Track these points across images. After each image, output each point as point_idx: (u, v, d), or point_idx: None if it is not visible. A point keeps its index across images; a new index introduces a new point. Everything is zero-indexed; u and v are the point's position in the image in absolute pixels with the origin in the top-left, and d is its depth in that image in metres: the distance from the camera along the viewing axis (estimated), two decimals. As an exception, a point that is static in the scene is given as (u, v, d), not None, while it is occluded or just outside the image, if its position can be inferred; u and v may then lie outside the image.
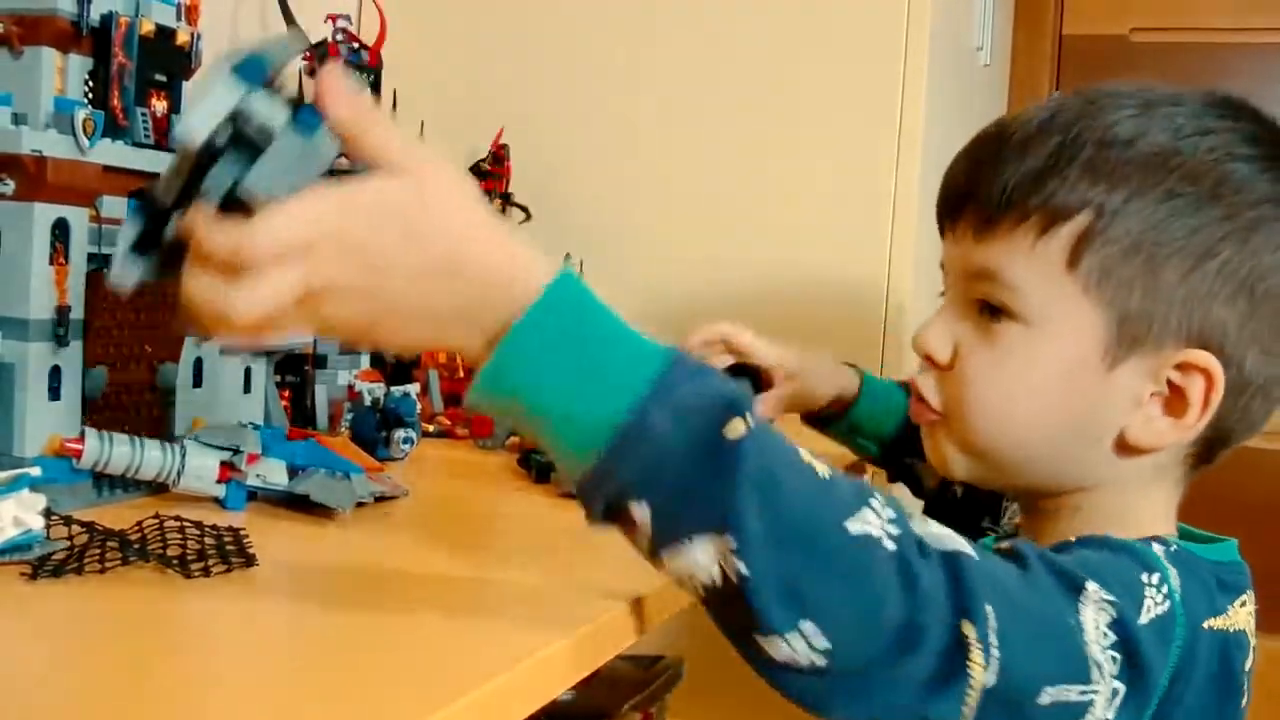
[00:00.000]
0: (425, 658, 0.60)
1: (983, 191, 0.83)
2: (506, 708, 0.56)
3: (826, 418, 1.27)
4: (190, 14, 0.99)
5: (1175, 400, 0.81)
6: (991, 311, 0.83)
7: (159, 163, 0.96)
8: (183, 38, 0.97)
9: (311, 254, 0.58)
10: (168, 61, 0.97)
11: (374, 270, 0.60)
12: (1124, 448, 0.83)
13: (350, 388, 1.16)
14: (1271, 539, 2.36)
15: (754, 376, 1.20)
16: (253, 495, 0.88)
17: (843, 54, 1.60)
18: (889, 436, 1.26)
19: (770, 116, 1.64)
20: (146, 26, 0.95)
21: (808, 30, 1.62)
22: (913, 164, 1.57)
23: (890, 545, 0.61)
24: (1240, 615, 0.80)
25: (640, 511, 0.61)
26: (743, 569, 0.58)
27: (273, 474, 0.87)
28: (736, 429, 0.59)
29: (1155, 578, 0.73)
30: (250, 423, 0.91)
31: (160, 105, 0.96)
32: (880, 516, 0.62)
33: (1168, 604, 0.72)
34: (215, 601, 0.67)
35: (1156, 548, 0.77)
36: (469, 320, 0.61)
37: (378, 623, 0.65)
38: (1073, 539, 0.78)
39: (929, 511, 1.16)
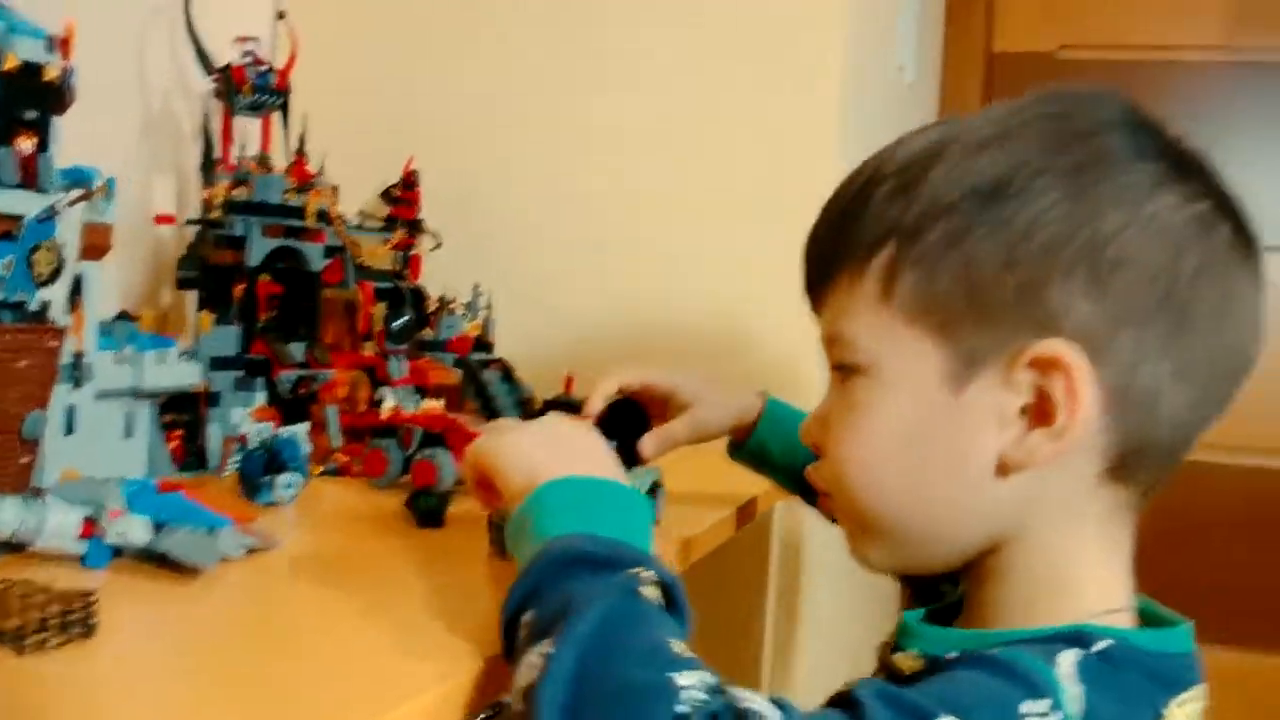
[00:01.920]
0: None
1: (809, 258, 0.82)
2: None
3: (732, 445, 1.23)
4: (63, 47, 0.96)
5: (1044, 407, 0.72)
6: (844, 373, 0.79)
7: (28, 204, 0.93)
8: (52, 73, 0.94)
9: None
10: (36, 98, 0.94)
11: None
12: (1005, 474, 0.74)
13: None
14: (1225, 553, 2.39)
15: (637, 410, 1.16)
16: (117, 552, 0.85)
17: (760, 75, 1.59)
18: (798, 466, 1.16)
19: (686, 140, 1.62)
20: (11, 62, 0.92)
21: (722, 52, 1.60)
22: (830, 183, 1.54)
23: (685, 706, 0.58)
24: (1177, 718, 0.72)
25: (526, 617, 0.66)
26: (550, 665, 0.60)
27: (134, 531, 0.84)
28: (647, 581, 0.66)
29: (1043, 704, 0.64)
30: (116, 476, 0.88)
31: (28, 144, 0.94)
32: (697, 684, 0.59)
33: None
34: (45, 677, 0.64)
35: (1065, 659, 0.68)
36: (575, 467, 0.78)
37: (213, 690, 0.63)
38: (954, 656, 0.71)
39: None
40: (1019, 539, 0.77)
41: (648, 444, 1.12)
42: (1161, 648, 0.73)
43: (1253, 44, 2.39)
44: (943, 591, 0.99)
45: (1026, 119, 0.77)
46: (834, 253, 0.79)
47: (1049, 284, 0.71)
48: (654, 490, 1.06)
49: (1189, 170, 0.76)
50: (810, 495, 1.21)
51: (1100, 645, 0.70)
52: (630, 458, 1.10)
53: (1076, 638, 0.71)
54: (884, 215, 0.76)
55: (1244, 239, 0.76)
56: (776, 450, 1.20)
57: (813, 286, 0.83)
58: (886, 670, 0.82)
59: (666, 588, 0.68)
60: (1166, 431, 0.74)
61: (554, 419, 0.89)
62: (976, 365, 0.73)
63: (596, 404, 1.15)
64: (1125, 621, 0.77)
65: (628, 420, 1.14)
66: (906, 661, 0.79)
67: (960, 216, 0.73)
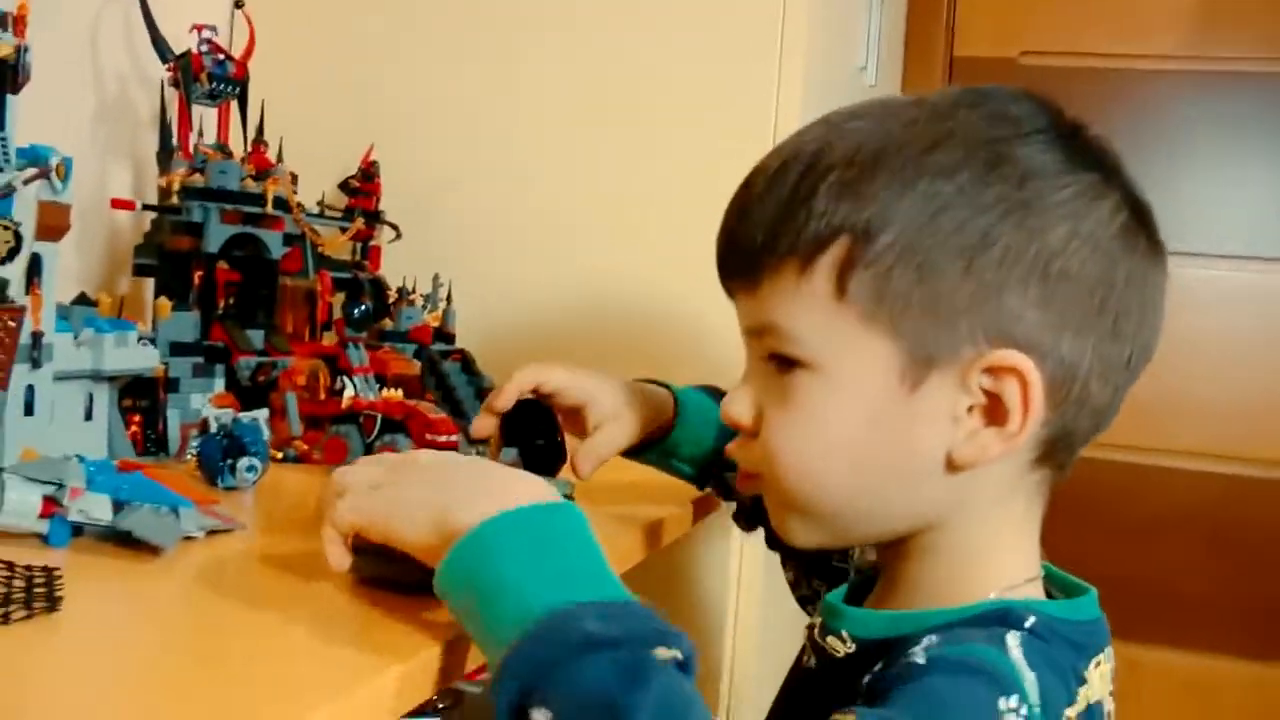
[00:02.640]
0: (226, 699, 0.58)
1: (740, 244, 0.81)
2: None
3: (639, 445, 1.15)
4: (17, 25, 0.94)
5: (995, 408, 0.76)
6: (781, 365, 0.79)
7: (-16, 182, 0.92)
8: (4, 50, 0.93)
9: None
10: (-11, 76, 0.93)
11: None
12: (954, 469, 0.77)
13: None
14: (1165, 554, 2.41)
15: (543, 413, 1.08)
16: (79, 531, 0.84)
17: (718, 70, 1.59)
18: (706, 454, 1.15)
19: (644, 133, 1.62)
20: (-38, 39, 0.90)
21: (682, 46, 1.60)
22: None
23: None
24: (1095, 681, 0.76)
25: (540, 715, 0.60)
26: None
27: (96, 509, 0.83)
28: (664, 655, 0.62)
29: (1014, 700, 0.67)
30: (76, 455, 0.87)
31: (-17, 122, 0.92)
32: None
33: None
34: (11, 649, 0.63)
35: (1012, 644, 0.71)
36: (496, 497, 0.70)
37: (177, 667, 0.63)
38: (921, 659, 0.70)
39: (773, 544, 1.13)
40: (948, 520, 0.81)
41: (584, 462, 1.06)
42: (1075, 616, 0.78)
43: (1212, 53, 2.42)
44: (838, 565, 1.02)
45: (964, 121, 0.78)
46: (771, 242, 0.78)
47: (1003, 292, 0.75)
48: None
49: (1113, 177, 0.80)
50: (712, 482, 1.18)
51: (1029, 622, 0.74)
52: (539, 464, 1.02)
53: (1004, 616, 0.75)
54: (833, 212, 0.76)
55: (1156, 243, 0.82)
56: (686, 446, 1.15)
57: (738, 272, 0.82)
58: (819, 653, 0.84)
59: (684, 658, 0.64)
60: (1088, 420, 0.80)
61: (413, 456, 0.80)
62: (930, 366, 0.76)
63: (505, 401, 1.07)
64: (1037, 590, 0.82)
65: (533, 423, 1.06)
66: (839, 645, 0.82)
67: (914, 220, 0.75)
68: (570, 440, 1.09)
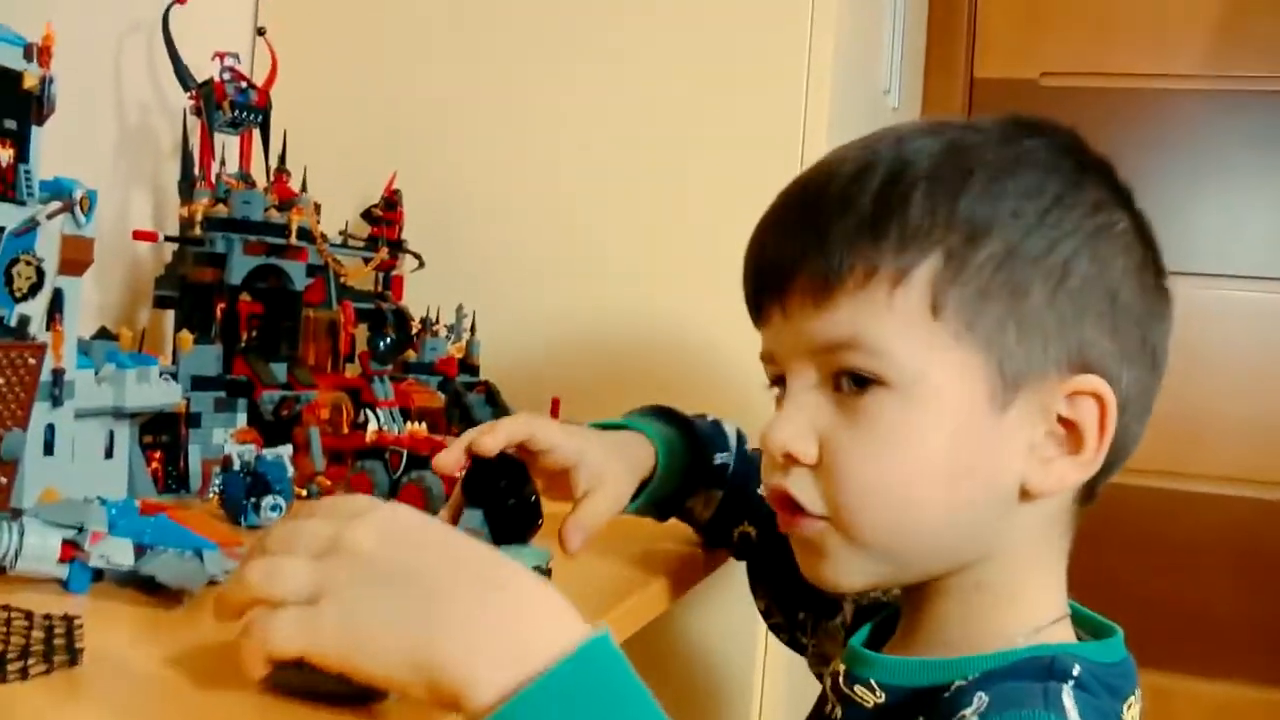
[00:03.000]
0: None
1: (816, 254, 0.76)
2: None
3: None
4: (42, 55, 0.93)
5: (1070, 435, 0.76)
6: (852, 385, 0.76)
7: (6, 216, 0.91)
8: (30, 81, 0.91)
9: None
10: (13, 107, 0.91)
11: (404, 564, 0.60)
12: (1025, 499, 0.76)
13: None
14: (1194, 580, 2.38)
15: (513, 467, 0.93)
16: (99, 575, 0.82)
17: (743, 96, 1.57)
18: (673, 491, 1.08)
19: (669, 160, 1.60)
20: (-13, 69, 0.89)
21: (707, 73, 1.58)
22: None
23: None
24: None
25: None
26: None
27: (118, 554, 0.81)
28: None
29: None
30: (97, 497, 0.85)
31: (6, 154, 0.91)
32: None
33: None
34: (28, 707, 0.61)
35: (1068, 703, 0.68)
36: (502, 639, 0.57)
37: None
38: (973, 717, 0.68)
39: (763, 569, 1.10)
40: (994, 556, 0.79)
41: (575, 536, 0.93)
42: (1108, 658, 0.77)
43: (1233, 73, 2.40)
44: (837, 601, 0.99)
45: (1032, 147, 0.79)
46: (857, 254, 0.75)
47: (1083, 321, 0.75)
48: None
49: (1140, 218, 0.82)
50: (676, 514, 1.11)
51: (1075, 671, 0.72)
52: (509, 528, 0.89)
53: (1050, 666, 0.73)
54: (929, 225, 0.74)
55: (1165, 281, 0.82)
56: (660, 488, 1.07)
57: (797, 285, 0.77)
58: (844, 703, 0.81)
59: None
60: (1124, 453, 0.80)
61: (352, 539, 0.60)
62: (1018, 388, 0.75)
63: (491, 447, 0.93)
64: (1067, 630, 0.80)
65: (503, 480, 0.90)
66: (868, 695, 0.80)
67: (1007, 239, 0.74)
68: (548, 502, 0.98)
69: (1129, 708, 0.75)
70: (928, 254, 0.74)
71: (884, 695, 0.79)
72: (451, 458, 0.94)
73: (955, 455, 0.75)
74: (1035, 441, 0.76)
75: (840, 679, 0.82)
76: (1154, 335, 0.79)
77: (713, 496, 1.10)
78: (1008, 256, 0.74)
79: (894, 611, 0.87)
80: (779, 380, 0.82)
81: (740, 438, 1.14)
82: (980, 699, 0.70)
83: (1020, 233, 0.75)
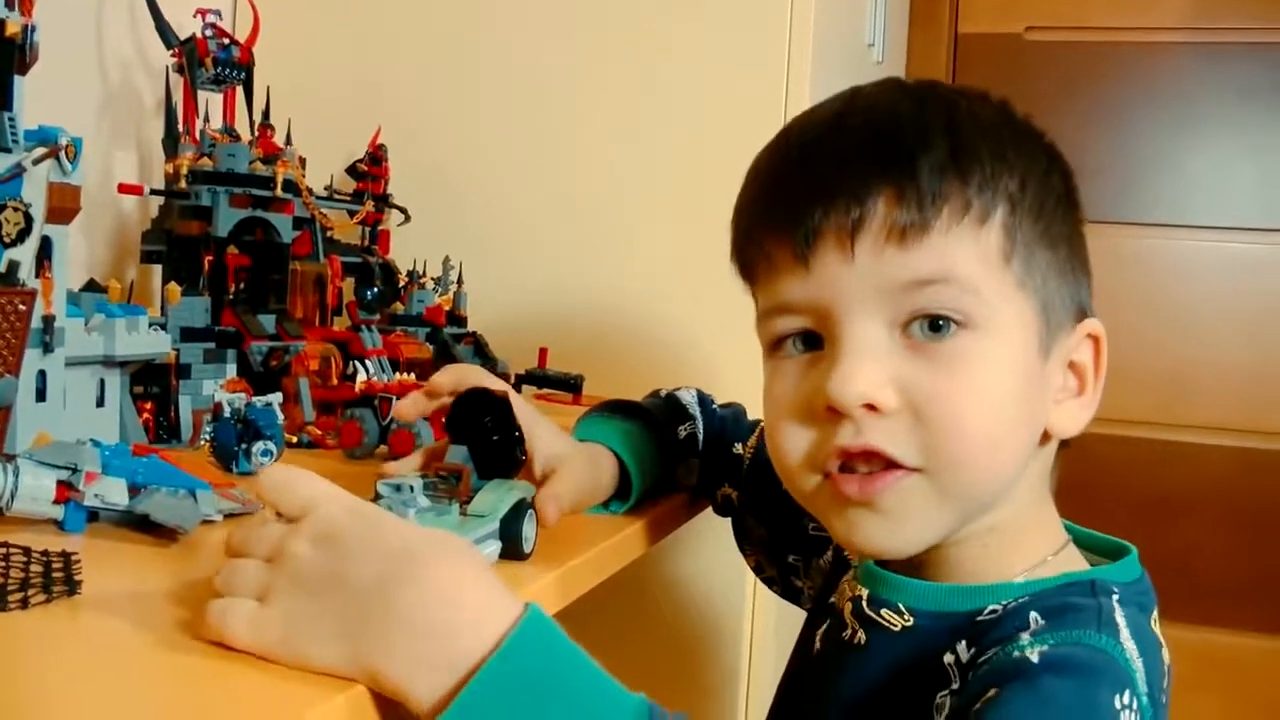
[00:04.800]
0: (243, 690, 0.57)
1: (907, 186, 0.72)
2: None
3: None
4: (24, 3, 0.93)
5: (1077, 380, 0.80)
6: (933, 327, 0.73)
7: (-9, 163, 0.91)
8: (12, 29, 0.91)
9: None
10: (-3, 55, 0.91)
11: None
12: (1044, 442, 0.79)
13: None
14: (1183, 530, 2.40)
15: (501, 409, 0.88)
16: (94, 516, 0.83)
17: (726, 49, 1.57)
18: (652, 482, 1.04)
19: (654, 113, 1.60)
20: (-32, 18, 0.89)
21: (689, 26, 1.59)
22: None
23: None
24: (1160, 637, 0.76)
25: None
26: None
27: (112, 493, 0.82)
28: None
29: (1126, 695, 0.65)
30: (90, 439, 0.86)
31: (-10, 102, 0.91)
32: None
33: (1138, 716, 0.66)
34: (29, 634, 0.62)
35: (1122, 621, 0.69)
36: (432, 643, 0.59)
37: (200, 649, 0.61)
38: (1035, 657, 0.66)
39: (748, 526, 1.10)
40: (1010, 499, 0.79)
41: (548, 508, 0.86)
42: (1128, 577, 0.78)
43: (1215, 24, 2.40)
44: (815, 533, 1.00)
45: (1007, 108, 0.82)
46: (945, 187, 0.73)
47: (1082, 269, 0.81)
48: (520, 511, 0.82)
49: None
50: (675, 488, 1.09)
51: (1115, 592, 0.74)
52: (494, 464, 0.86)
53: (1090, 585, 0.74)
54: (996, 172, 0.74)
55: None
56: (650, 480, 1.03)
57: (873, 220, 0.73)
58: (868, 626, 0.81)
59: None
60: None
61: (294, 544, 0.63)
62: (1055, 338, 0.78)
63: (408, 405, 0.93)
64: (1073, 557, 0.81)
65: (486, 416, 0.87)
66: (895, 618, 0.79)
67: (1040, 194, 0.77)
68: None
69: (1154, 622, 0.76)
70: (999, 198, 0.74)
71: (912, 619, 0.78)
72: (410, 404, 0.95)
73: (1023, 399, 0.76)
74: (1058, 383, 0.78)
75: (864, 603, 0.81)
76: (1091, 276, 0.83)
77: (692, 465, 1.10)
78: (1042, 209, 0.77)
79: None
80: (803, 336, 0.78)
81: (703, 399, 1.13)
82: (1035, 620, 0.71)
83: (1044, 187, 0.77)
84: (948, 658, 0.74)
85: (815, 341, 0.78)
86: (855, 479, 0.75)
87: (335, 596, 0.60)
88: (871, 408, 0.73)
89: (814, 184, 0.75)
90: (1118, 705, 0.64)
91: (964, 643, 0.73)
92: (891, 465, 0.74)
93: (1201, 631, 2.40)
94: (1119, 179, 2.41)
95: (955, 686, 0.72)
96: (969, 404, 0.73)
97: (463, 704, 0.57)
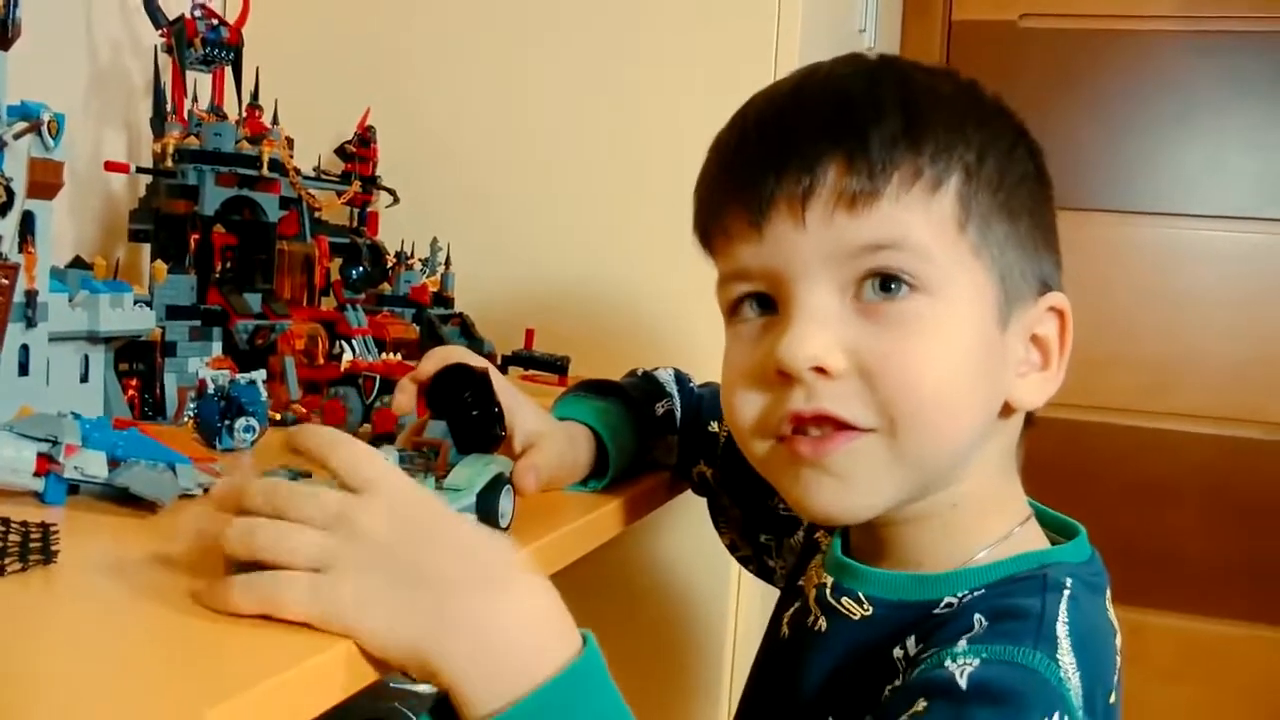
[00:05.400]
0: (220, 650, 0.58)
1: (858, 154, 0.73)
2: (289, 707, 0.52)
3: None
4: (6, -21, 0.93)
5: (1040, 353, 0.80)
6: (883, 289, 0.74)
7: (-28, 139, 0.91)
8: (-7, 5, 0.91)
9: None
10: (-23, 31, 0.91)
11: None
12: (1004, 415, 0.79)
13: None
14: (1167, 518, 2.40)
15: (479, 384, 0.88)
16: (75, 489, 0.83)
17: (714, 34, 1.57)
18: (630, 459, 1.05)
19: (639, 96, 1.60)
20: (-50, -8, 0.89)
21: (677, 10, 1.59)
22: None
23: None
24: (1113, 621, 0.77)
25: None
26: None
27: (91, 466, 0.82)
28: None
29: (1057, 717, 0.65)
30: (71, 412, 0.86)
31: (-28, 77, 0.91)
32: None
33: None
34: (6, 600, 0.63)
35: (1062, 633, 0.69)
36: (501, 651, 0.61)
37: (176, 621, 0.61)
38: (963, 681, 0.66)
39: (722, 505, 1.11)
40: (973, 473, 0.80)
41: (526, 478, 0.89)
42: (1080, 558, 0.79)
43: (1211, 14, 2.40)
44: (785, 513, 1.01)
45: (975, 85, 0.82)
46: (896, 155, 0.74)
47: (1047, 243, 0.80)
48: (497, 485, 0.82)
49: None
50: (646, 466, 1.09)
51: (1068, 584, 0.74)
52: (473, 438, 0.85)
53: (1042, 580, 0.74)
54: (951, 142, 0.75)
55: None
56: (627, 457, 1.04)
57: (824, 185, 0.74)
58: (829, 614, 0.82)
59: None
60: None
61: (362, 517, 0.63)
62: (1013, 307, 0.78)
63: (405, 400, 0.93)
64: (1035, 528, 0.82)
65: (464, 391, 0.87)
66: (855, 607, 0.80)
67: (1000, 166, 0.77)
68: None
69: (1108, 603, 0.78)
70: (953, 168, 0.75)
71: (871, 609, 0.80)
72: (405, 399, 0.94)
73: (979, 365, 0.76)
74: (1019, 356, 0.79)
75: (828, 591, 0.83)
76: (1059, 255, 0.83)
77: (671, 442, 1.10)
78: (1002, 181, 0.77)
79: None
80: (756, 298, 0.80)
81: (680, 378, 1.14)
82: (979, 622, 0.71)
83: (1005, 161, 0.78)
84: (897, 651, 0.75)
85: (770, 305, 0.79)
86: (808, 441, 0.76)
87: (415, 585, 0.61)
88: (822, 371, 0.74)
89: (768, 154, 0.77)
90: None
91: (913, 638, 0.74)
92: (844, 427, 0.75)
93: (1187, 620, 2.41)
94: (1111, 167, 2.41)
95: (898, 683, 0.73)
96: (920, 364, 0.74)
97: (513, 715, 0.59)
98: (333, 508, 0.63)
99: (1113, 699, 0.73)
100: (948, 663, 0.68)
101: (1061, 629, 0.70)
